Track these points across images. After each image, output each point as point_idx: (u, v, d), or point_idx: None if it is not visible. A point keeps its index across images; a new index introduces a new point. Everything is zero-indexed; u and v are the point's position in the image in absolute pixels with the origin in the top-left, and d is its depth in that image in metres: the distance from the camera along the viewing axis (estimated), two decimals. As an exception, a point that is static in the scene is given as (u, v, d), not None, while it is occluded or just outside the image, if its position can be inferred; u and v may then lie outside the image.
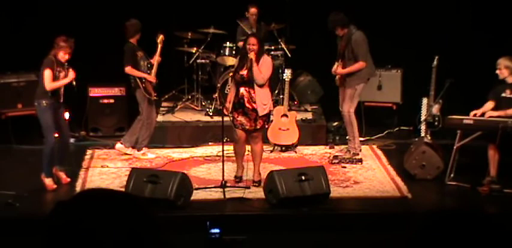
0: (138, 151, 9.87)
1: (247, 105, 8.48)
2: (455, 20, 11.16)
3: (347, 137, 9.96)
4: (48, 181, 8.59)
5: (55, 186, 8.62)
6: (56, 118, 8.54)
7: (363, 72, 9.58)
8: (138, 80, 9.55)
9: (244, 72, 8.47)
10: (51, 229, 1.79)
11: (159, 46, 9.71)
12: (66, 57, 8.45)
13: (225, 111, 8.64)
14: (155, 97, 9.66)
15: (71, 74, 8.51)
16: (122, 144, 9.90)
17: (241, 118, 8.52)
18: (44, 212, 1.78)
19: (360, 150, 9.88)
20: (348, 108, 9.67)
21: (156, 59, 9.68)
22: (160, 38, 9.72)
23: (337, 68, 9.58)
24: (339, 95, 9.87)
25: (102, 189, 1.92)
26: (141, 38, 9.64)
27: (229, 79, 9.60)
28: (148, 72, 9.62)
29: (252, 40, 8.47)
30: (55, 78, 8.40)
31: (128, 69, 9.49)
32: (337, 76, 9.74)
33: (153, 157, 9.89)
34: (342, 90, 9.79)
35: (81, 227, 1.76)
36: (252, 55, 8.38)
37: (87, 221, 1.77)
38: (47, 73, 8.36)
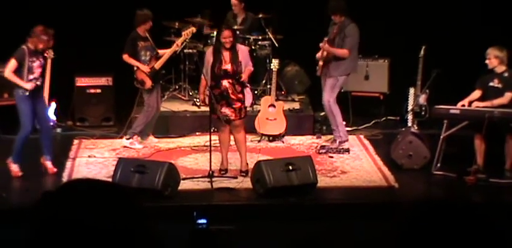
0: (127, 138, 9.83)
1: (232, 96, 8.50)
2: (442, 10, 11.17)
3: (332, 127, 9.96)
4: (15, 167, 8.56)
5: (20, 174, 8.58)
6: (35, 109, 8.53)
7: (346, 64, 9.55)
8: (134, 69, 9.58)
9: (227, 66, 8.46)
10: (38, 219, 1.79)
11: (182, 38, 9.77)
12: (44, 48, 8.42)
13: (201, 102, 8.82)
14: (150, 87, 9.65)
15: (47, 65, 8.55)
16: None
17: (225, 110, 8.53)
18: (31, 203, 1.77)
19: (347, 139, 9.86)
20: (328, 98, 9.65)
21: (172, 48, 9.70)
22: (190, 30, 9.78)
23: (324, 43, 9.51)
24: (321, 86, 9.87)
25: (89, 179, 1.91)
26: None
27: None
28: (148, 62, 9.61)
29: (227, 33, 8.43)
30: (28, 68, 8.40)
31: (125, 57, 9.55)
32: (319, 63, 9.68)
33: (140, 147, 9.86)
34: (323, 80, 9.78)
35: (68, 218, 1.75)
36: (228, 67, 8.41)
37: (74, 211, 1.76)
38: (11, 63, 8.37)
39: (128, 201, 1.84)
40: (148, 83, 9.60)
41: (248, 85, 8.76)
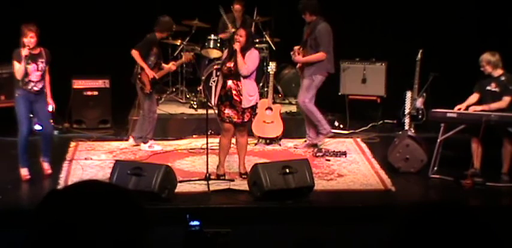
0: (144, 143, 9.85)
1: (235, 97, 8.49)
2: (439, 13, 11.19)
3: (315, 123, 9.85)
4: (23, 171, 8.55)
5: (29, 177, 8.56)
6: (34, 110, 8.52)
7: (323, 64, 9.55)
8: (138, 67, 9.57)
9: (231, 64, 8.48)
10: (41, 219, 1.77)
11: (182, 60, 10.08)
12: (32, 41, 8.35)
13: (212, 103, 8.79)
14: (148, 92, 9.64)
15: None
16: (134, 140, 10.00)
17: (228, 111, 8.52)
18: (28, 205, 1.76)
19: (331, 129, 9.87)
20: (303, 98, 9.66)
21: (169, 66, 9.84)
22: (190, 57, 10.14)
23: (296, 56, 9.56)
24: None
25: (98, 181, 1.89)
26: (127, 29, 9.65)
27: (214, 72, 9.66)
28: (152, 68, 9.64)
29: (241, 31, 8.53)
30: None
31: (134, 52, 9.48)
32: (298, 65, 9.75)
33: (159, 149, 9.86)
34: (301, 81, 9.82)
35: (71, 219, 1.74)
36: (236, 46, 8.41)
37: (77, 213, 1.75)
38: (15, 65, 8.37)
39: (135, 207, 1.83)
40: (148, 88, 9.61)
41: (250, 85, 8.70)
